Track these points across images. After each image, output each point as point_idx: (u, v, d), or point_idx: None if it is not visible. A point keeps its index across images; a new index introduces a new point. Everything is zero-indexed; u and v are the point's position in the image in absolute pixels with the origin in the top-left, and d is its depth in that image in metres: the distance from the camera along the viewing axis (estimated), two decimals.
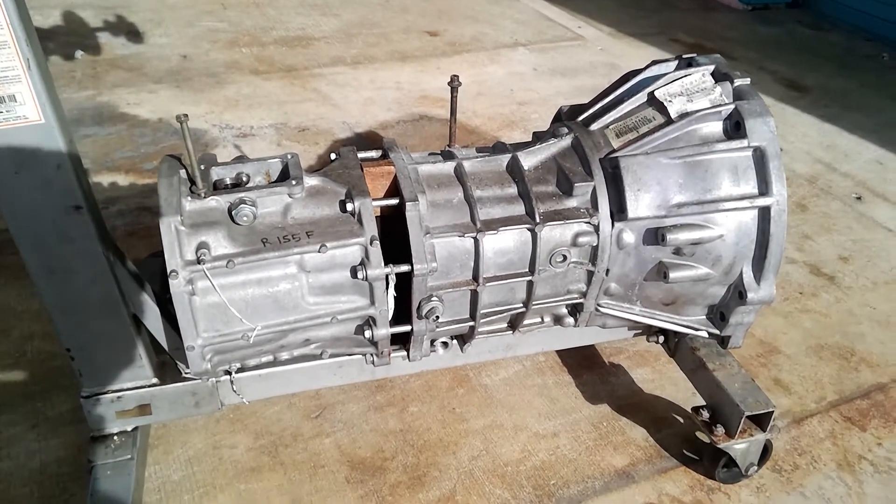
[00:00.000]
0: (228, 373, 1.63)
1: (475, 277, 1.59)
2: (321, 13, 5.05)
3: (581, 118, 1.75)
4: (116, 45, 4.32)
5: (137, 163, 3.14)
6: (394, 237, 1.56)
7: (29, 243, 1.38)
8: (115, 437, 1.65)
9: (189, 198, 1.46)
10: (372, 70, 4.24)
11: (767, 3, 5.83)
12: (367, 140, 3.47)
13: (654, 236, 1.60)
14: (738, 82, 1.65)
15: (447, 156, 1.71)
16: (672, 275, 1.60)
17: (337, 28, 4.83)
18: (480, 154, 1.73)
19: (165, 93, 3.78)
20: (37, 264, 1.40)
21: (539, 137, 1.78)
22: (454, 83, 1.75)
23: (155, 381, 1.63)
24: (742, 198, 1.58)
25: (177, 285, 1.39)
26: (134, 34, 4.41)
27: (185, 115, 1.41)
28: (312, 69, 4.19)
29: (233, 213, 1.46)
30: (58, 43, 4.22)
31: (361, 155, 1.69)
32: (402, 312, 1.61)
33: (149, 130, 3.41)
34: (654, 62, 1.77)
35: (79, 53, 4.08)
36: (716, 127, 1.63)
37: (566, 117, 1.81)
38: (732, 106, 1.61)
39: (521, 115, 3.84)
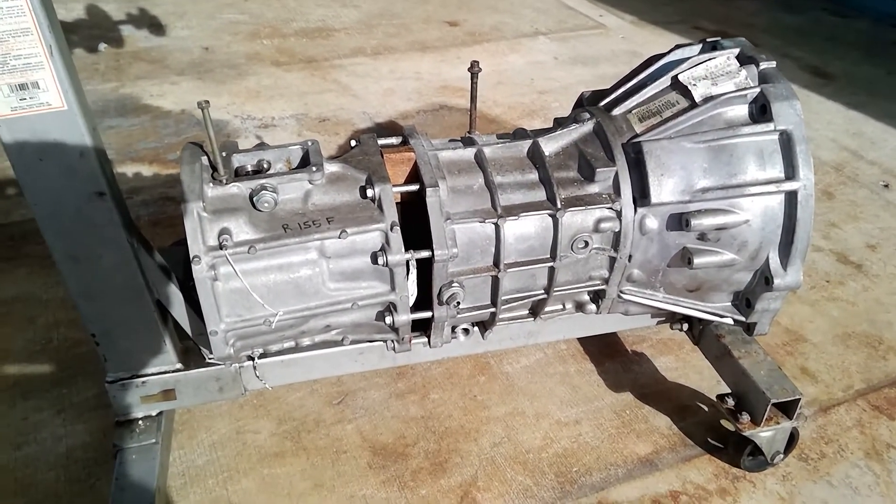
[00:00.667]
0: (251, 358, 1.64)
1: (496, 263, 1.58)
2: (341, 4, 5.05)
3: (603, 103, 1.73)
4: (139, 37, 4.35)
5: (161, 153, 3.17)
6: (414, 223, 1.55)
7: (53, 230, 1.39)
8: (140, 422, 1.67)
9: (211, 184, 1.47)
10: (392, 60, 4.23)
11: None
12: (388, 130, 3.47)
13: (678, 222, 1.57)
14: (763, 65, 1.62)
15: (467, 142, 1.70)
16: (696, 260, 1.58)
17: (357, 19, 4.83)
18: (501, 140, 1.72)
19: (188, 84, 3.80)
20: (61, 251, 1.42)
21: (560, 123, 1.76)
22: (474, 69, 1.74)
23: (179, 366, 1.64)
24: (768, 182, 1.56)
25: (199, 270, 1.40)
26: (156, 27, 4.44)
27: (207, 102, 1.42)
28: (333, 60, 4.20)
29: (254, 199, 1.47)
30: (81, 36, 4.26)
31: (381, 141, 1.68)
32: (423, 299, 1.61)
33: (171, 121, 3.43)
34: (678, 46, 1.74)
35: (102, 46, 4.12)
36: (741, 110, 1.61)
37: (588, 103, 1.79)
38: (758, 89, 1.58)
39: (542, 104, 3.81)
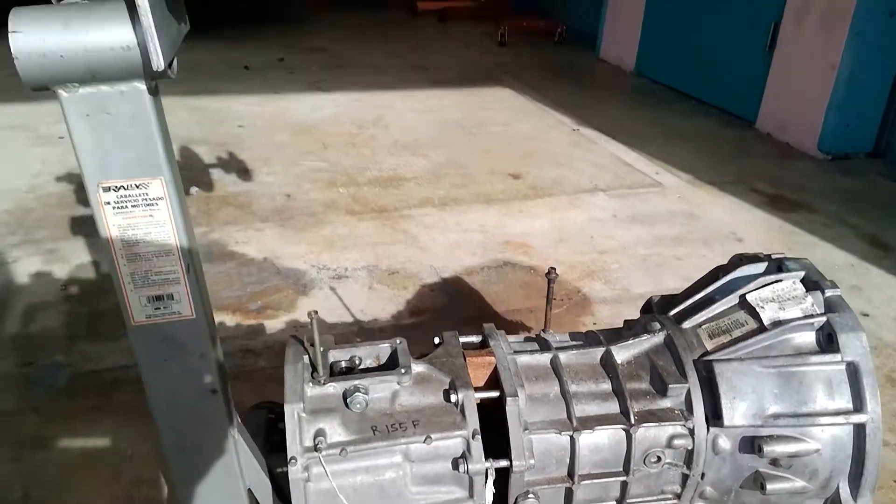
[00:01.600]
0: None
1: (570, 474, 1.64)
2: (412, 153, 5.39)
3: (672, 313, 1.83)
4: (228, 181, 4.70)
5: (244, 302, 3.34)
6: (490, 420, 1.64)
7: (167, 423, 1.52)
8: None
9: (310, 384, 1.59)
10: (458, 212, 4.46)
11: (848, 152, 5.85)
12: (453, 286, 3.62)
13: (751, 445, 1.63)
14: (828, 293, 1.71)
15: (543, 344, 1.82)
16: (769, 486, 1.62)
17: (426, 168, 5.13)
18: (574, 343, 1.83)
19: (270, 231, 4.07)
20: (171, 442, 1.54)
21: (630, 327, 1.87)
22: (551, 275, 1.89)
23: None
24: (837, 413, 1.61)
25: (295, 472, 1.50)
26: (243, 171, 4.80)
27: (315, 312, 1.57)
28: (402, 210, 4.45)
29: (347, 399, 1.59)
30: None
31: (463, 340, 1.81)
32: (497, 501, 1.67)
33: (255, 269, 3.65)
34: (742, 258, 1.86)
35: (193, 190, 4.47)
36: (808, 337, 1.69)
37: (657, 309, 1.90)
38: (825, 318, 1.67)
39: (602, 265, 3.93)
